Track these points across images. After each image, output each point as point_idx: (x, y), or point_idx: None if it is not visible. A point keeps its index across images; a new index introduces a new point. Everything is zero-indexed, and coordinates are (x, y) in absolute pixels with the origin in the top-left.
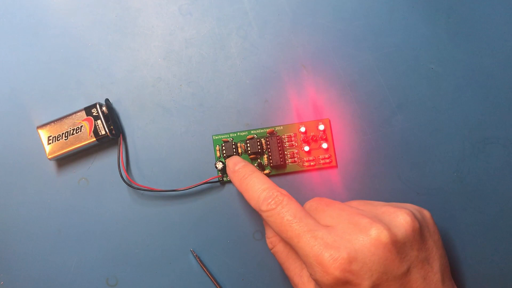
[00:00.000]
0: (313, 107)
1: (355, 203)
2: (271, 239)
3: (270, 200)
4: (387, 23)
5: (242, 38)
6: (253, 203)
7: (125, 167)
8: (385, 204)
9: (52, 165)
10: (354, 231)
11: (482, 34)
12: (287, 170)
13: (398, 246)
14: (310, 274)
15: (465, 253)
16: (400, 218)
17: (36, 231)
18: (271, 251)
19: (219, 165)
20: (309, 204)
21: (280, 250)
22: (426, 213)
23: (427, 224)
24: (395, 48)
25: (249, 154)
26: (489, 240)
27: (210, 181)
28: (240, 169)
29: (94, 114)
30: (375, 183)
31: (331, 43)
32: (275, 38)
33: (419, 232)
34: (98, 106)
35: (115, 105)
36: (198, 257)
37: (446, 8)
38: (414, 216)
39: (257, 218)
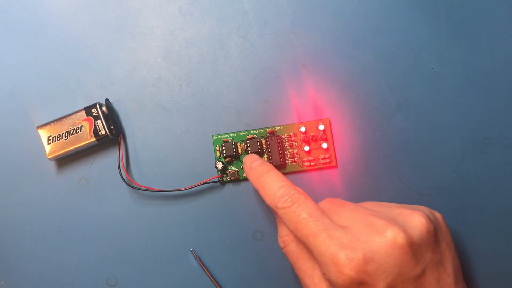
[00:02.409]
0: (313, 107)
1: (368, 205)
2: (284, 238)
3: (286, 198)
4: (387, 23)
5: (242, 38)
6: (269, 200)
7: (125, 167)
8: (398, 206)
9: (52, 165)
10: (370, 232)
11: (482, 34)
12: (287, 170)
13: (413, 248)
14: (324, 274)
15: (464, 253)
16: (416, 220)
17: (36, 231)
18: (283, 250)
19: (219, 165)
20: (322, 204)
21: (292, 249)
22: (438, 215)
23: (439, 226)
24: (395, 48)
25: None
26: (489, 240)
27: (210, 181)
28: (257, 167)
29: (94, 114)
30: (375, 183)
31: (331, 43)
32: (275, 38)
33: (434, 234)
34: (98, 106)
35: (115, 105)
36: (198, 257)
37: (446, 8)
38: (428, 218)
39: (257, 218)
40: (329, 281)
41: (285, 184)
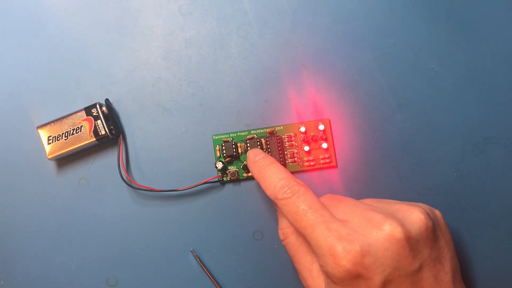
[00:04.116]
0: (313, 107)
1: (368, 201)
2: (284, 230)
3: (286, 189)
4: (387, 23)
5: (242, 38)
6: (269, 192)
7: (125, 167)
8: (398, 202)
9: (52, 165)
10: (368, 226)
11: (482, 34)
12: None
13: (411, 242)
14: (321, 266)
15: (464, 253)
16: (414, 215)
17: (36, 231)
18: (282, 242)
19: (219, 165)
20: (322, 200)
21: (291, 242)
22: (438, 213)
23: (439, 223)
24: (395, 48)
25: None
26: (489, 240)
27: (210, 181)
28: (259, 160)
29: (94, 114)
30: (375, 183)
31: (331, 43)
32: (275, 38)
33: (432, 230)
34: (98, 106)
35: (115, 105)
36: (198, 257)
37: (446, 8)
38: (427, 214)
39: (257, 218)
40: (326, 273)
41: (285, 176)
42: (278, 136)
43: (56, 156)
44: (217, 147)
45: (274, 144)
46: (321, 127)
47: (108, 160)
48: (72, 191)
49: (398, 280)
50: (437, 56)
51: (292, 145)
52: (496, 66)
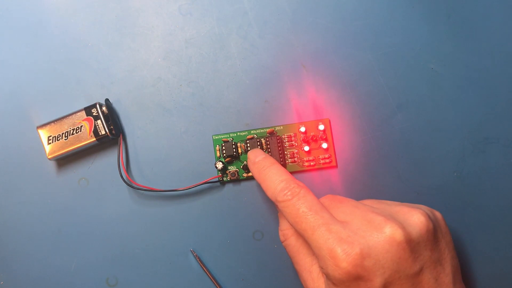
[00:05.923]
0: (313, 107)
1: (368, 202)
2: (284, 231)
3: (286, 191)
4: (387, 23)
5: (242, 38)
6: (269, 193)
7: (125, 167)
8: (398, 204)
9: (52, 165)
10: (368, 228)
11: (482, 34)
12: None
13: (412, 245)
14: (322, 268)
15: (464, 253)
16: (415, 217)
17: (36, 231)
18: (283, 244)
19: (219, 165)
20: (322, 201)
21: (291, 243)
22: (438, 215)
23: (439, 225)
24: (395, 48)
25: None
26: (489, 240)
27: (210, 181)
28: (260, 161)
29: (94, 114)
30: (375, 183)
31: (331, 43)
32: (275, 38)
33: (433, 232)
34: (98, 106)
35: (115, 105)
36: (198, 257)
37: (446, 8)
38: (428, 216)
39: (257, 218)
40: (326, 275)
41: (286, 177)
42: (278, 136)
43: (56, 156)
44: (217, 147)
45: (274, 144)
46: (321, 127)
47: (108, 160)
48: (72, 191)
49: (399, 282)
50: (437, 56)
51: (292, 145)
52: (496, 66)
